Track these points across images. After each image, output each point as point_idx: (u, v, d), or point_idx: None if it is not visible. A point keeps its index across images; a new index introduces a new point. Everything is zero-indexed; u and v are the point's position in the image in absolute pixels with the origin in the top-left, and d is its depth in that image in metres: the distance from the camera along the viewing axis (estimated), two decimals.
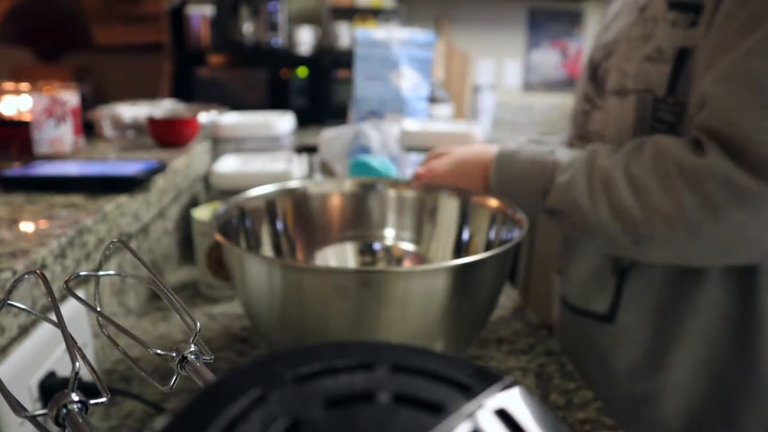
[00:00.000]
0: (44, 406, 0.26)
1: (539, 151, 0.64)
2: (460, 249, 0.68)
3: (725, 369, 0.62)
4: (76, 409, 0.25)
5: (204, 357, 0.29)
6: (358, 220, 0.72)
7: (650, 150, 0.56)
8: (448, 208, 0.69)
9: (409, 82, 1.03)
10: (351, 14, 2.78)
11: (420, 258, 0.71)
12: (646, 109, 0.61)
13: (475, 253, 0.65)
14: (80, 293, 0.55)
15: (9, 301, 0.31)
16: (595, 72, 0.71)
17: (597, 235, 0.59)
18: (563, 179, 0.60)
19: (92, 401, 0.26)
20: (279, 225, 0.69)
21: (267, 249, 0.67)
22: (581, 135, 0.74)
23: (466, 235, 0.68)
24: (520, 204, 0.64)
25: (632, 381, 0.68)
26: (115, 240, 0.34)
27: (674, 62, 0.58)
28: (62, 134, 0.83)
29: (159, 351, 0.29)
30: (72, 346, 0.27)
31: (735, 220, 0.51)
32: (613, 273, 0.68)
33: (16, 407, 0.26)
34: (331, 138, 0.98)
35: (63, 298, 0.51)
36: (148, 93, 1.95)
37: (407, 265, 0.71)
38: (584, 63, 0.76)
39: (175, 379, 0.29)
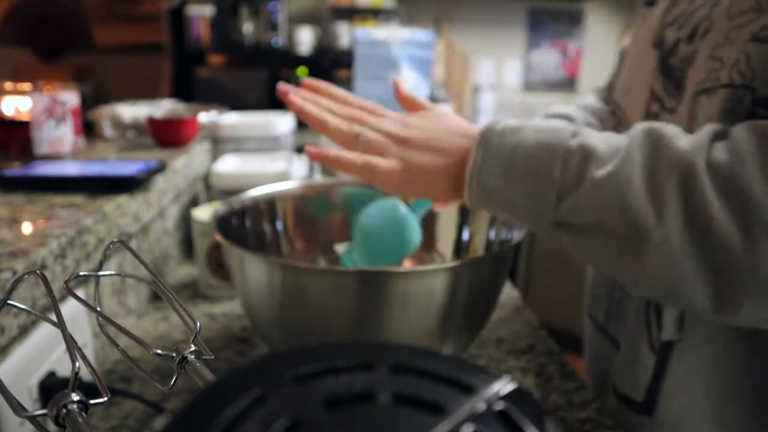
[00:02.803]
0: (44, 406, 0.26)
1: (554, 129, 0.42)
2: (460, 249, 0.68)
3: None
4: (76, 409, 0.25)
5: (204, 357, 0.29)
6: None
7: (752, 137, 0.36)
8: (448, 207, 0.69)
9: (409, 82, 1.03)
10: (351, 14, 2.78)
11: (420, 258, 0.71)
12: (738, 110, 0.40)
13: (475, 253, 0.65)
14: (80, 293, 0.55)
15: (9, 301, 0.31)
16: (668, 59, 0.49)
17: (653, 276, 0.38)
18: (602, 174, 0.38)
19: (92, 401, 0.26)
20: (279, 225, 0.69)
21: (267, 249, 0.67)
22: None
23: (466, 235, 0.68)
24: (513, 212, 0.43)
25: None
26: (115, 240, 0.34)
27: None
28: (62, 134, 0.83)
29: (159, 351, 0.29)
30: (72, 346, 0.27)
31: None
32: (650, 347, 0.49)
33: (16, 407, 0.26)
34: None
35: (63, 298, 0.51)
36: (148, 93, 1.95)
37: (407, 265, 0.71)
38: (639, 49, 0.55)
39: (175, 379, 0.29)
